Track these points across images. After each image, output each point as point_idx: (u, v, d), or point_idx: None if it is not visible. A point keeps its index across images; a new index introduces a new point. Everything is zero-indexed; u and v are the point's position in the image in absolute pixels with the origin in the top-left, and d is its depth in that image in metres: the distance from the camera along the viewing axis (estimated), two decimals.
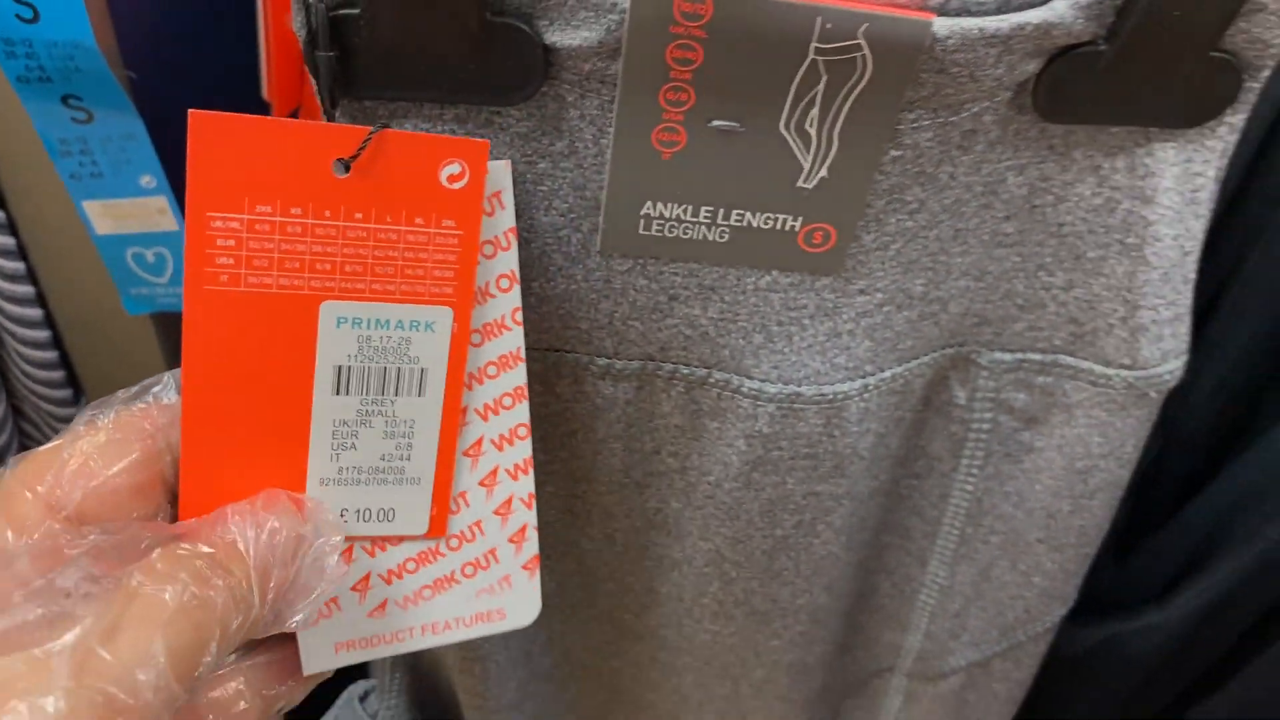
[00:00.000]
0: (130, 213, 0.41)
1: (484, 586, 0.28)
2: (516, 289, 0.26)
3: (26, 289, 0.44)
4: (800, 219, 0.28)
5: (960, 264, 0.30)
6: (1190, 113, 0.28)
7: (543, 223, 0.28)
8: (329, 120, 0.25)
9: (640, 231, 0.28)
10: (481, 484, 0.27)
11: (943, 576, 0.39)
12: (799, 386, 0.30)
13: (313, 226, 0.23)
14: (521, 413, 0.27)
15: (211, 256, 0.22)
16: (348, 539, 0.26)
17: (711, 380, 0.31)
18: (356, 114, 0.26)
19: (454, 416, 0.26)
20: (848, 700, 0.46)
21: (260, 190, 0.22)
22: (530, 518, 0.28)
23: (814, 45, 0.24)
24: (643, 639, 0.40)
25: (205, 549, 0.21)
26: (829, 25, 0.24)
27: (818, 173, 0.27)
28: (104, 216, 0.41)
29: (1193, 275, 0.31)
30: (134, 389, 0.24)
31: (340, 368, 0.24)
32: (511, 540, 0.28)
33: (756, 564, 0.35)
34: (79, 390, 0.49)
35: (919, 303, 0.30)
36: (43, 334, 0.46)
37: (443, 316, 0.25)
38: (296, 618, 0.23)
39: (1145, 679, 0.47)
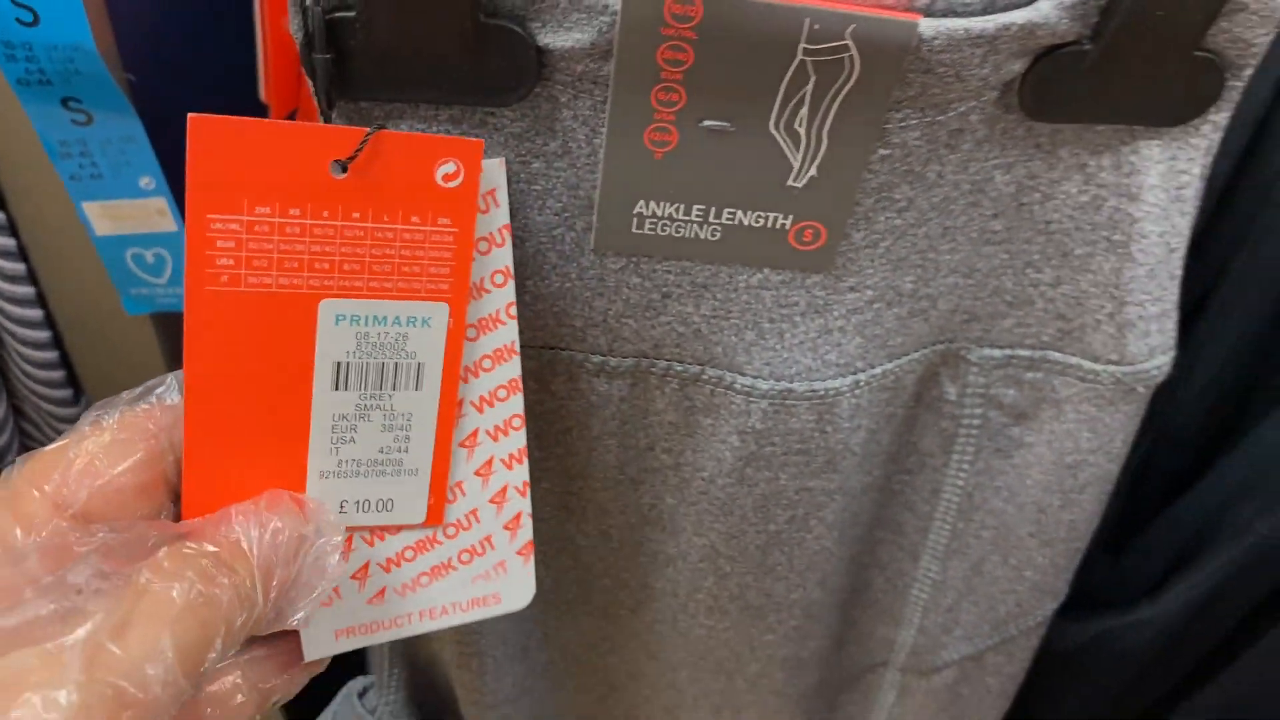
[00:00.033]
0: (130, 214, 0.41)
1: (480, 572, 0.28)
2: (511, 284, 0.27)
3: (27, 290, 0.44)
4: (791, 217, 0.28)
5: (949, 261, 0.30)
6: (1175, 111, 0.28)
7: (537, 221, 0.28)
8: (326, 121, 0.26)
9: (633, 230, 0.28)
10: (477, 474, 0.27)
11: (935, 571, 0.39)
12: (791, 383, 0.31)
13: (311, 226, 0.23)
14: (516, 404, 0.27)
15: (212, 258, 0.23)
16: (348, 529, 0.26)
17: (704, 377, 0.31)
18: (353, 115, 0.26)
19: (450, 409, 0.26)
20: (842, 695, 0.46)
21: (259, 192, 0.23)
22: (524, 505, 0.28)
23: (802, 46, 0.25)
24: (638, 634, 0.40)
25: (210, 548, 0.22)
26: (817, 26, 0.24)
27: (807, 171, 0.27)
28: (103, 217, 0.41)
29: (1179, 272, 0.31)
30: (137, 390, 0.25)
31: (339, 364, 0.25)
32: (506, 527, 0.28)
33: (750, 559, 0.36)
34: (79, 390, 0.49)
35: (909, 299, 0.31)
36: (43, 334, 0.46)
37: (439, 312, 0.25)
38: (298, 615, 0.24)
39: (1138, 674, 0.47)
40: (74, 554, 0.22)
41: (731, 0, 0.24)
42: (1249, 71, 0.28)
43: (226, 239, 0.23)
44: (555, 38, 0.25)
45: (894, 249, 0.29)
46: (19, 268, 0.44)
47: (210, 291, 0.23)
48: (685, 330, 0.30)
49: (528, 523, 0.29)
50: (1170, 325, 0.32)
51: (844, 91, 0.26)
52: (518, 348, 0.27)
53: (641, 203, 0.28)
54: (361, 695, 0.41)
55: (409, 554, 0.27)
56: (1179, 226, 0.30)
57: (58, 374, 0.47)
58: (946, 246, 0.30)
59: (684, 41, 0.25)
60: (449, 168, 0.24)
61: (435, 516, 0.27)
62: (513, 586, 0.29)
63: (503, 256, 0.26)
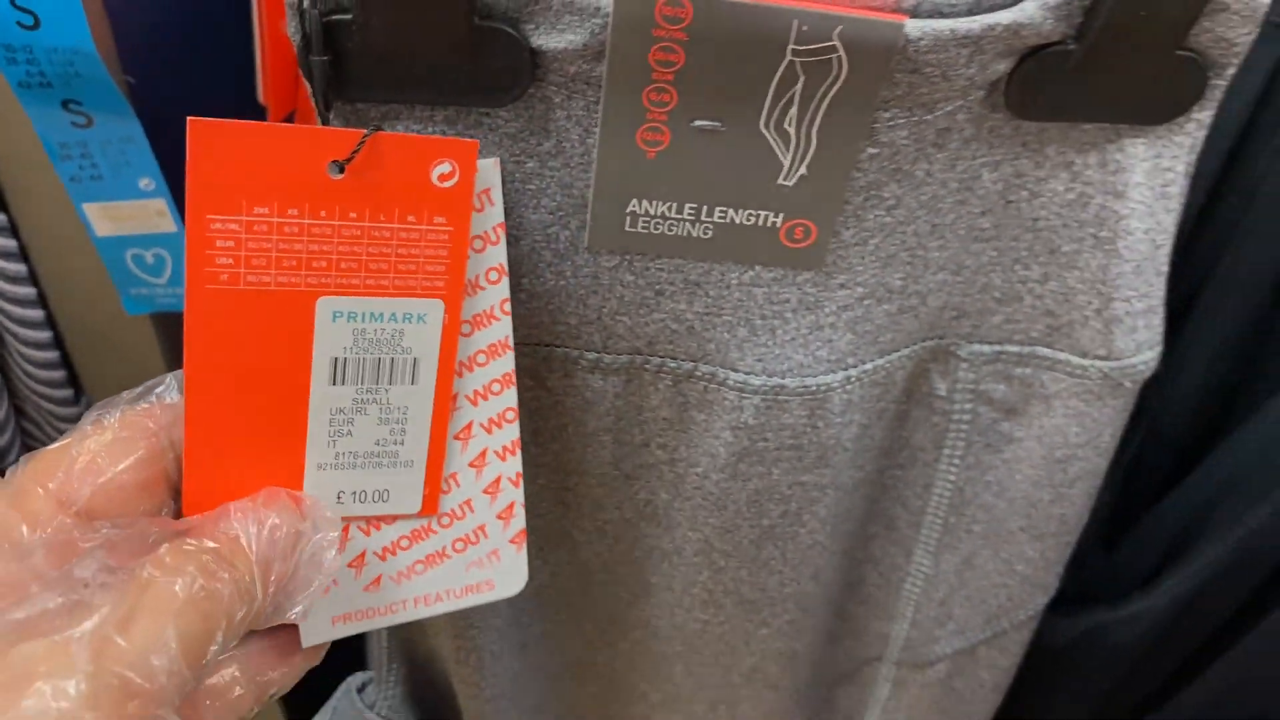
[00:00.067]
0: (129, 215, 0.41)
1: (473, 560, 0.29)
2: (505, 281, 0.27)
3: (28, 290, 0.45)
4: (781, 215, 0.29)
5: (938, 258, 0.31)
6: (1159, 110, 0.29)
7: (531, 220, 0.29)
8: (323, 123, 0.26)
9: (626, 228, 0.29)
10: (471, 465, 0.28)
11: (927, 565, 0.39)
12: (783, 379, 0.31)
13: (309, 226, 0.24)
14: (510, 398, 0.28)
15: (211, 257, 0.23)
16: (344, 519, 0.27)
17: (698, 373, 0.32)
18: (350, 116, 0.26)
19: (445, 403, 0.27)
20: (838, 689, 0.47)
21: (257, 192, 0.23)
22: (517, 495, 0.29)
23: (791, 47, 0.25)
24: (635, 629, 0.41)
25: (210, 544, 0.22)
26: (805, 27, 0.25)
27: (797, 170, 0.28)
28: (104, 218, 0.42)
29: (1165, 268, 0.32)
30: (138, 390, 0.25)
31: (336, 359, 0.25)
32: (500, 517, 0.29)
33: (744, 553, 0.36)
34: (79, 390, 0.50)
35: (898, 296, 0.31)
36: (44, 334, 0.46)
37: (434, 309, 0.25)
38: (296, 609, 0.24)
39: (1129, 668, 0.47)
40: (78, 550, 0.22)
41: (721, 2, 0.24)
42: (1231, 70, 0.28)
43: (226, 238, 0.23)
44: (549, 39, 0.25)
45: (883, 246, 0.30)
46: (20, 268, 0.44)
47: (210, 290, 0.23)
48: (678, 327, 0.31)
49: (520, 512, 0.29)
50: (1157, 321, 0.33)
51: (832, 91, 0.26)
52: (512, 343, 0.28)
53: (634, 201, 0.28)
54: (361, 690, 0.41)
55: (404, 543, 0.28)
56: (1164, 223, 0.31)
57: (58, 374, 0.48)
58: (935, 244, 0.30)
59: (675, 43, 0.25)
60: (444, 168, 0.24)
61: (430, 506, 0.28)
62: (506, 574, 0.30)
63: (497, 254, 0.27)
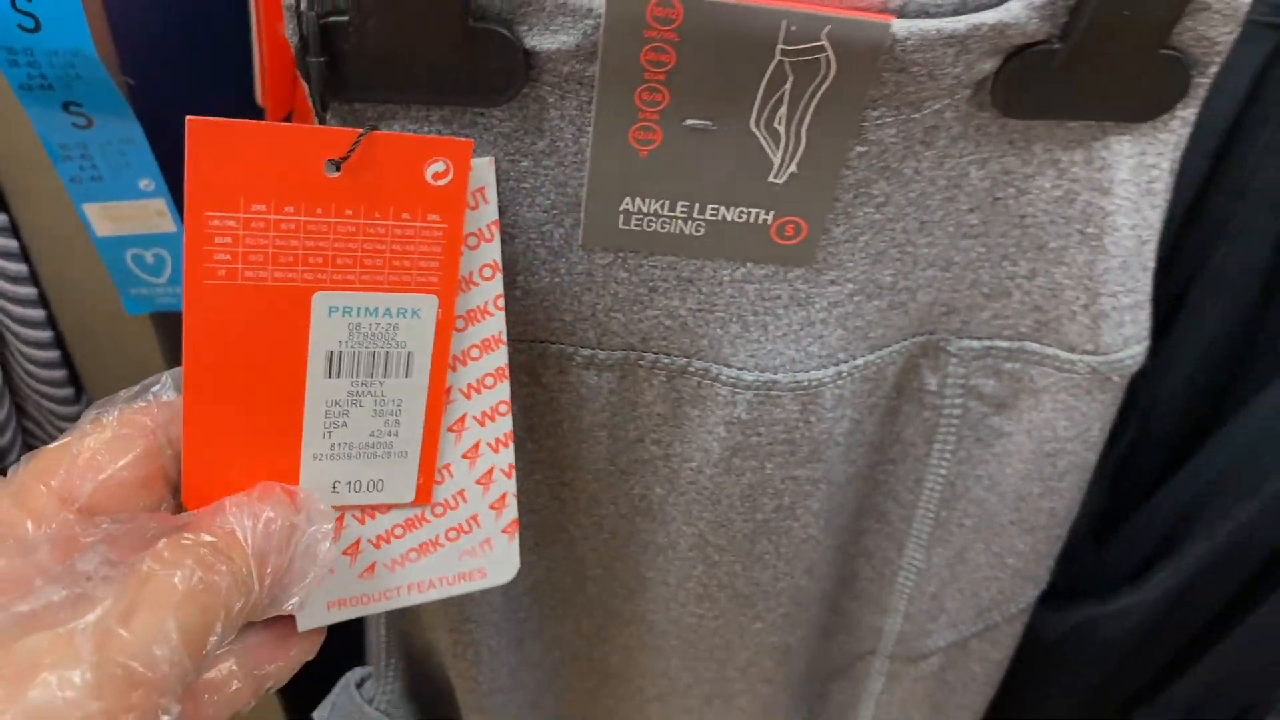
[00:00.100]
0: (129, 215, 0.42)
1: (466, 549, 0.30)
2: (499, 278, 0.28)
3: (29, 290, 0.45)
4: (772, 213, 0.29)
5: (927, 255, 0.31)
6: (1143, 107, 0.29)
7: (526, 218, 0.29)
8: (321, 122, 0.27)
9: (620, 226, 0.29)
10: (464, 456, 0.29)
11: (919, 559, 0.40)
12: (775, 374, 0.32)
13: (305, 223, 0.24)
14: (503, 391, 0.29)
15: (210, 253, 0.24)
16: (340, 508, 0.27)
17: (691, 369, 0.32)
18: (347, 116, 0.27)
19: (439, 395, 0.27)
20: (832, 683, 0.47)
21: (255, 190, 0.23)
22: (510, 486, 0.30)
23: (780, 47, 0.26)
24: (631, 623, 0.41)
25: (207, 538, 0.23)
26: (793, 28, 0.25)
27: (787, 168, 0.28)
28: (104, 219, 0.42)
29: (1151, 263, 0.32)
30: (135, 388, 0.26)
31: (332, 353, 0.26)
32: (492, 507, 0.29)
33: (738, 548, 0.36)
34: (80, 389, 0.50)
35: (888, 292, 0.31)
36: (45, 334, 0.47)
37: (428, 304, 0.26)
38: (292, 600, 0.25)
39: (1121, 661, 0.48)
40: (81, 545, 0.23)
41: (711, 3, 0.25)
42: (1214, 69, 0.28)
43: (224, 235, 0.23)
44: (542, 40, 0.26)
45: (873, 243, 0.30)
46: (21, 269, 0.44)
47: (208, 285, 0.24)
48: (672, 323, 0.31)
49: (512, 503, 0.30)
50: (1144, 316, 0.33)
51: (821, 90, 0.26)
52: (505, 338, 0.28)
53: (628, 199, 0.29)
54: (360, 685, 0.41)
55: (398, 531, 0.29)
56: (1150, 219, 0.31)
57: (59, 373, 0.48)
58: (924, 240, 0.31)
59: (666, 43, 0.26)
60: (439, 166, 0.25)
61: (424, 496, 0.28)
62: (497, 562, 0.30)
63: (491, 251, 0.27)
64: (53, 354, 0.48)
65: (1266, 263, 0.43)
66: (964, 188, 0.30)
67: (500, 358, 0.28)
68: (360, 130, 0.24)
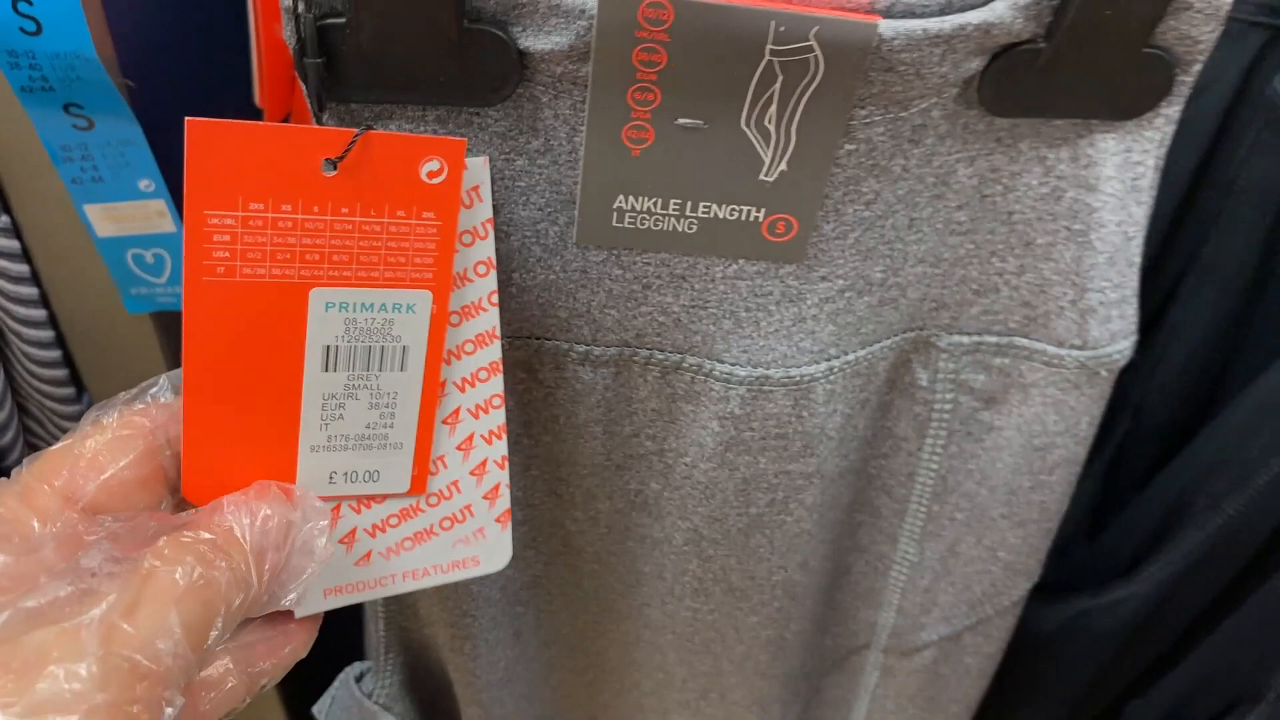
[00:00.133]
0: (130, 215, 0.42)
1: (460, 538, 0.30)
2: (493, 274, 0.28)
3: (31, 290, 0.46)
4: (763, 210, 0.30)
5: (916, 251, 0.32)
6: (1128, 105, 0.30)
7: (521, 216, 0.30)
8: (318, 123, 0.27)
9: (613, 224, 0.30)
10: (459, 448, 0.29)
11: (912, 553, 0.40)
12: (767, 369, 0.32)
13: (302, 221, 0.25)
14: (496, 385, 0.29)
15: (209, 251, 0.24)
16: (336, 497, 0.28)
17: (685, 365, 0.33)
18: (344, 116, 0.27)
19: (433, 388, 0.28)
20: (827, 677, 0.47)
21: (253, 189, 0.24)
22: (503, 477, 0.30)
23: (769, 47, 0.26)
24: (627, 617, 0.41)
25: (206, 535, 0.24)
26: (782, 28, 0.26)
27: (778, 166, 0.29)
28: (104, 219, 0.42)
29: (1137, 259, 0.33)
30: (133, 391, 0.27)
31: (329, 347, 0.26)
32: (486, 497, 0.30)
33: (733, 542, 0.37)
34: (81, 388, 0.50)
35: (878, 288, 0.32)
36: (46, 334, 0.47)
37: (423, 299, 0.26)
38: (290, 596, 0.25)
39: (1114, 653, 0.48)
40: (85, 542, 0.23)
41: (701, 4, 0.25)
42: (1198, 67, 0.29)
43: (222, 233, 0.24)
44: (536, 41, 0.26)
45: (863, 239, 0.31)
46: (23, 269, 0.45)
47: (207, 282, 0.24)
48: (665, 319, 0.32)
49: (505, 493, 0.30)
50: (1131, 311, 0.34)
51: (810, 90, 0.27)
52: (499, 333, 0.29)
53: (621, 197, 0.29)
54: (359, 679, 0.42)
55: (394, 520, 0.29)
56: (1136, 215, 0.32)
57: (61, 372, 0.48)
58: (914, 237, 0.31)
59: (657, 43, 0.26)
60: (433, 165, 0.25)
61: (418, 486, 0.29)
62: (491, 551, 0.31)
63: (485, 249, 0.28)
64: (54, 353, 0.48)
65: (1255, 258, 0.43)
66: (952, 185, 0.31)
67: (494, 352, 0.29)
68: (356, 130, 0.24)
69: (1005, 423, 0.36)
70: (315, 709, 0.41)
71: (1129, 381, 0.48)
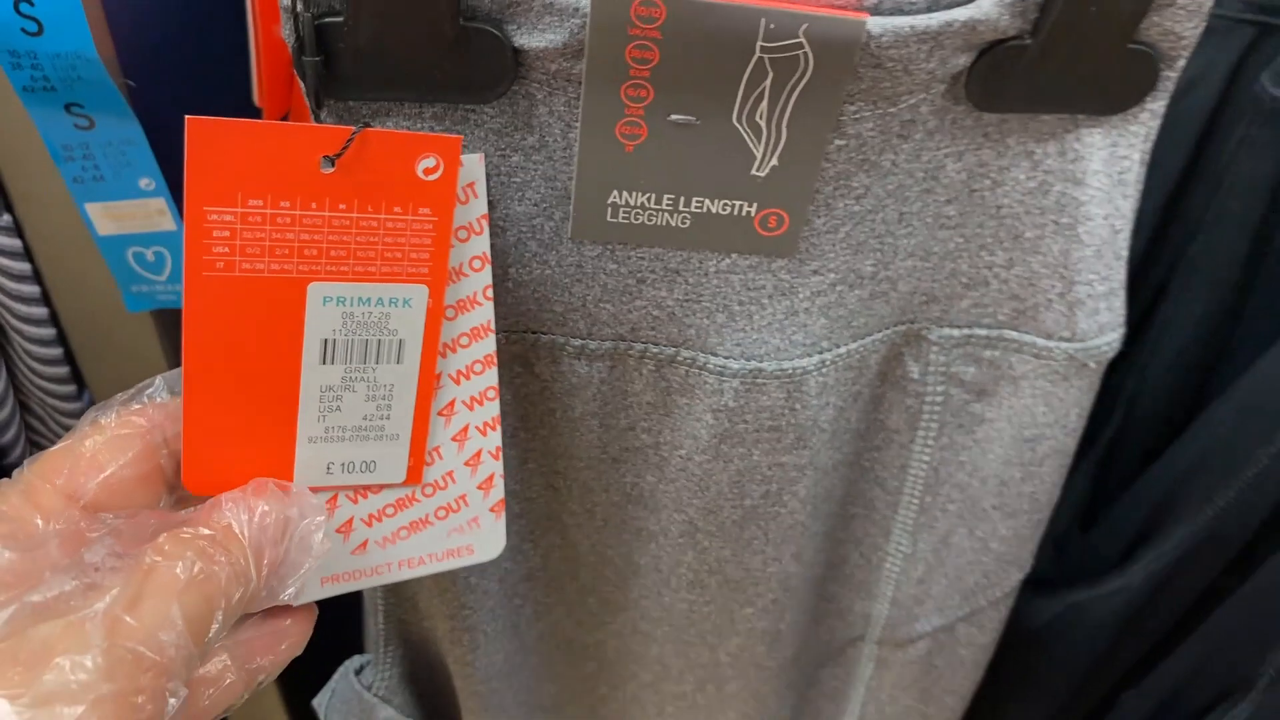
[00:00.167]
0: (130, 214, 0.43)
1: (455, 527, 0.31)
2: (488, 269, 0.28)
3: (32, 289, 0.46)
4: (755, 205, 0.30)
5: (906, 245, 0.32)
6: (1114, 100, 0.30)
7: (517, 212, 0.30)
8: (316, 120, 0.27)
9: (608, 219, 0.30)
10: (454, 439, 0.30)
11: (905, 545, 0.41)
12: (760, 362, 0.33)
13: (300, 217, 0.25)
14: (491, 377, 0.30)
15: (208, 246, 0.25)
16: (333, 488, 0.29)
17: (679, 358, 0.33)
18: (342, 113, 0.28)
19: (429, 381, 0.28)
20: (823, 669, 0.48)
21: (252, 186, 0.24)
22: (497, 467, 0.31)
23: (760, 44, 0.26)
24: (624, 609, 0.42)
25: (205, 531, 0.24)
26: (772, 26, 0.26)
27: (769, 161, 0.29)
28: (105, 218, 0.43)
29: (1124, 252, 0.33)
30: (129, 392, 0.27)
31: (326, 340, 0.27)
32: (480, 487, 0.31)
33: (728, 533, 0.37)
34: (82, 386, 0.51)
35: (869, 282, 0.32)
36: (48, 331, 0.47)
37: (419, 293, 0.27)
38: (288, 591, 0.26)
39: (1109, 643, 0.49)
40: (87, 539, 0.24)
41: (693, 2, 0.26)
42: (1181, 62, 0.29)
43: (222, 229, 0.24)
44: (530, 39, 0.27)
45: (854, 234, 0.31)
46: (24, 267, 0.45)
47: (207, 277, 0.25)
48: (660, 313, 0.32)
49: (500, 483, 0.31)
50: (1118, 303, 0.34)
51: (800, 86, 0.27)
52: (494, 327, 0.29)
53: (615, 193, 0.30)
54: (359, 672, 0.42)
55: (390, 510, 0.30)
56: (1122, 209, 0.32)
57: (62, 370, 0.49)
58: (904, 231, 0.32)
59: (650, 41, 0.26)
60: (429, 162, 0.26)
61: (414, 477, 0.30)
62: (485, 540, 0.31)
63: (480, 244, 0.28)
64: (55, 351, 0.48)
65: (1244, 253, 0.44)
66: (941, 180, 0.31)
67: (489, 345, 0.29)
68: (354, 128, 0.25)
69: (996, 414, 0.37)
70: (315, 702, 0.41)
71: (1121, 376, 0.48)
